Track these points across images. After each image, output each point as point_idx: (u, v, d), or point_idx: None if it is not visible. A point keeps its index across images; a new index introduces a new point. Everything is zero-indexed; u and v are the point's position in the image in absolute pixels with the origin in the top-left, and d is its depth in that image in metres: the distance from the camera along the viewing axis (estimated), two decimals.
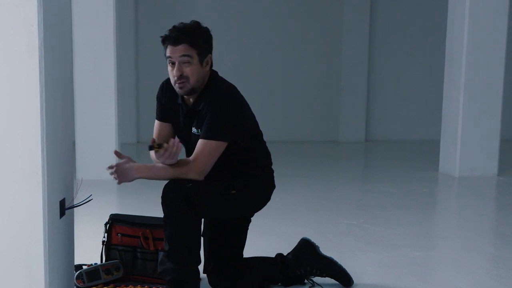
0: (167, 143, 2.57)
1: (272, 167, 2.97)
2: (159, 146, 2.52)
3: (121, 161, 2.62)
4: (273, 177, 2.94)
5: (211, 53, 2.73)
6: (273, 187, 2.94)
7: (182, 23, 2.69)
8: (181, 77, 2.64)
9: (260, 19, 9.36)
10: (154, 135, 2.85)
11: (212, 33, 2.78)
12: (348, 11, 9.35)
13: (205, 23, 2.77)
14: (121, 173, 2.57)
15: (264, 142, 2.95)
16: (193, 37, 2.64)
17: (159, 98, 2.89)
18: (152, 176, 2.62)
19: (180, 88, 2.67)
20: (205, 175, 2.63)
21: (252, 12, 9.33)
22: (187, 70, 2.63)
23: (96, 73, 5.82)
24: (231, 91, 2.75)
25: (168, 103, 2.84)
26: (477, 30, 6.18)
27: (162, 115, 2.88)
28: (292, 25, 9.43)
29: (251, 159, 2.84)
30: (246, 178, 2.81)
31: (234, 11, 9.29)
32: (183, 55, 2.62)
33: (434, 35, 9.32)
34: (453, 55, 6.40)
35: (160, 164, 2.61)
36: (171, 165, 2.59)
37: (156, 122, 2.90)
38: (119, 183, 2.60)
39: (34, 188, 2.09)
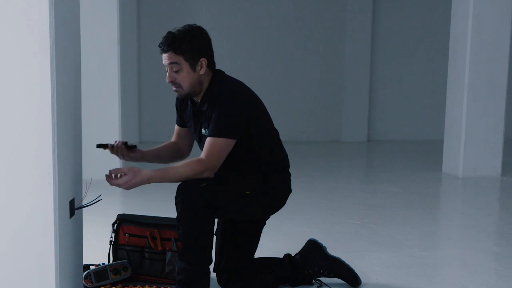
0: (187, 147, 2.97)
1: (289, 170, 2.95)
2: (103, 146, 2.78)
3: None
4: (290, 180, 2.92)
5: (205, 56, 2.72)
6: (289, 191, 2.92)
7: (175, 28, 2.73)
8: (173, 83, 2.72)
9: (262, 19, 9.36)
10: (174, 136, 3.01)
11: (214, 32, 2.78)
12: (350, 11, 9.34)
13: (206, 23, 2.78)
14: (129, 184, 2.52)
15: (280, 144, 2.92)
16: (175, 45, 2.67)
17: (176, 104, 2.98)
18: (166, 181, 2.61)
19: (176, 92, 2.77)
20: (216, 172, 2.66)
21: (254, 12, 9.33)
22: (179, 77, 2.70)
23: (100, 73, 5.82)
24: (235, 87, 2.75)
25: (182, 107, 2.93)
26: (480, 30, 6.18)
27: (179, 120, 2.99)
28: (295, 25, 9.43)
29: (265, 160, 2.82)
30: (261, 180, 2.79)
31: (235, 11, 9.29)
32: (171, 63, 2.69)
33: (436, 35, 9.32)
34: (457, 55, 6.40)
35: (172, 167, 2.62)
36: (183, 166, 2.59)
37: (175, 127, 3.02)
38: (128, 187, 2.54)
39: (46, 188, 2.08)
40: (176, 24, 2.91)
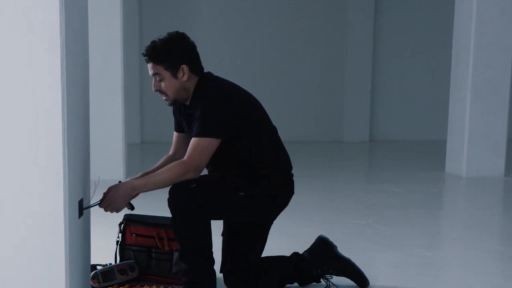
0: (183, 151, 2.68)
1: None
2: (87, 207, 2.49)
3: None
4: (292, 182, 2.88)
5: (185, 62, 2.71)
6: (291, 192, 2.89)
7: (158, 37, 2.76)
8: (159, 91, 2.76)
9: (264, 19, 9.36)
10: (172, 146, 2.99)
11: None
12: (352, 10, 9.36)
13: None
14: (115, 200, 2.52)
15: (280, 144, 2.88)
16: (154, 55, 2.72)
17: (173, 110, 2.98)
18: (151, 188, 2.58)
19: (165, 100, 2.80)
20: (201, 172, 2.63)
21: (256, 11, 9.34)
22: (162, 86, 2.73)
23: (103, 74, 5.80)
24: (220, 87, 2.74)
25: (177, 112, 2.94)
26: (483, 30, 6.19)
27: (176, 126, 2.98)
28: (296, 24, 9.44)
29: (263, 160, 2.77)
30: (258, 181, 2.74)
31: (237, 11, 9.29)
32: (154, 73, 2.74)
33: (438, 35, 9.33)
34: (460, 54, 6.40)
35: (155, 173, 2.61)
36: (166, 170, 2.58)
37: (174, 134, 3.01)
38: (117, 211, 2.56)
39: (55, 188, 2.08)
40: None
